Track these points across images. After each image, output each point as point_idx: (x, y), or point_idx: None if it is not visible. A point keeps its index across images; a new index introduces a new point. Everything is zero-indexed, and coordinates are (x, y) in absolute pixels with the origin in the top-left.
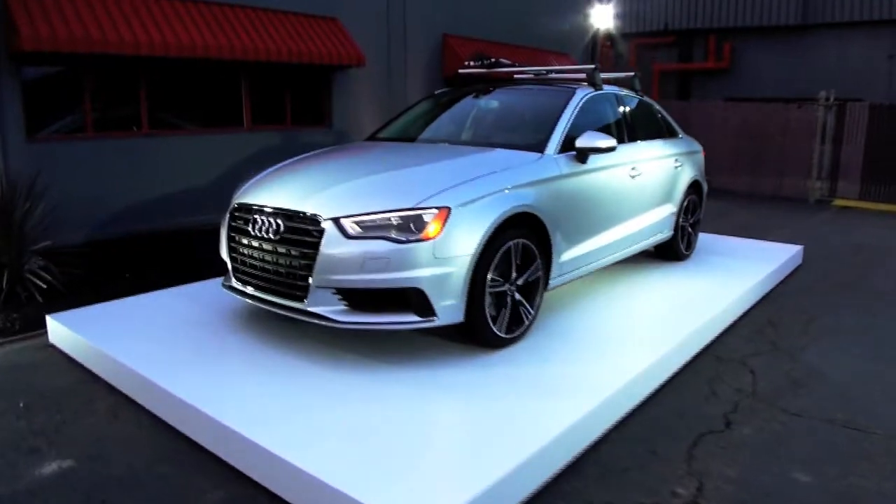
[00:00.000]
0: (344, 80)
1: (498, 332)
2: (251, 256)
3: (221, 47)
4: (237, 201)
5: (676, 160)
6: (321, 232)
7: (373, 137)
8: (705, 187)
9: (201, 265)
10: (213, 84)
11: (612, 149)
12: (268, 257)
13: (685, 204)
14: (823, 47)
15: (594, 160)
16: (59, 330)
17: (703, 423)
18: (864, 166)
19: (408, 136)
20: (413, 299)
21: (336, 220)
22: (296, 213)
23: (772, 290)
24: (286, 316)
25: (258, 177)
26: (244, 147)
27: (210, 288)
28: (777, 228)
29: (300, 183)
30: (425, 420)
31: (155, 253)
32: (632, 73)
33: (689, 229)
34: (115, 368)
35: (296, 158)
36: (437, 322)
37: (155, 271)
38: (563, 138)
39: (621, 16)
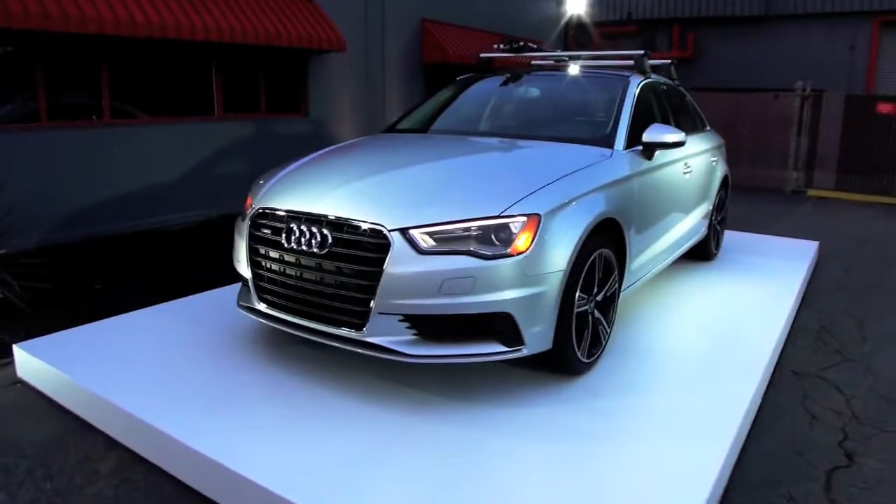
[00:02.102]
0: (320, 66)
1: (581, 357)
2: (283, 273)
3: (194, 27)
4: (262, 205)
5: (712, 155)
6: (386, 246)
7: (393, 129)
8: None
9: (182, 273)
10: (181, 68)
11: (681, 143)
12: (309, 275)
13: (716, 201)
14: (786, 38)
15: (658, 156)
16: (31, 363)
17: (823, 458)
18: (839, 156)
19: (443, 129)
20: (500, 326)
21: (404, 232)
22: (349, 222)
23: (806, 291)
24: (321, 344)
25: (282, 173)
26: (215, 137)
27: (205, 304)
28: (772, 222)
29: (345, 183)
30: (511, 477)
31: (124, 259)
32: (668, 61)
33: (717, 227)
34: (113, 415)
35: (322, 152)
36: (525, 352)
37: (128, 281)
38: (628, 132)
39: (586, 4)
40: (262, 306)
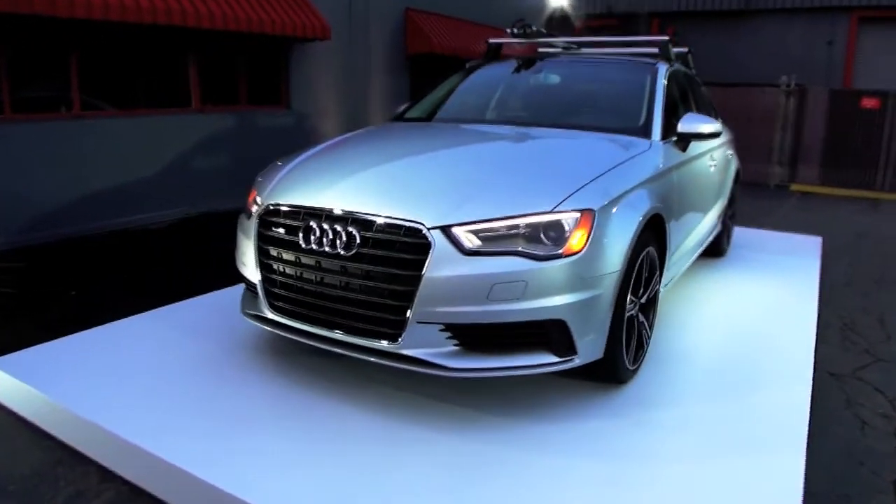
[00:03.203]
0: (302, 55)
1: (628, 365)
2: (300, 278)
3: (171, 11)
4: (272, 201)
5: (728, 148)
6: (425, 247)
7: (402, 118)
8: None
9: (165, 276)
10: (157, 58)
11: (717, 134)
12: (331, 280)
13: (730, 195)
14: (765, 33)
15: (690, 148)
16: (5, 382)
17: (885, 468)
18: (823, 151)
19: (462, 117)
20: (552, 335)
21: (446, 230)
22: (379, 219)
23: (819, 288)
24: (336, 354)
25: (292, 165)
26: (193, 130)
27: (198, 310)
28: (762, 217)
29: (370, 176)
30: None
31: (100, 261)
32: (685, 50)
33: (729, 222)
34: (106, 442)
35: (333, 142)
36: (577, 362)
37: (107, 286)
38: (663, 122)
39: None
40: (273, 314)
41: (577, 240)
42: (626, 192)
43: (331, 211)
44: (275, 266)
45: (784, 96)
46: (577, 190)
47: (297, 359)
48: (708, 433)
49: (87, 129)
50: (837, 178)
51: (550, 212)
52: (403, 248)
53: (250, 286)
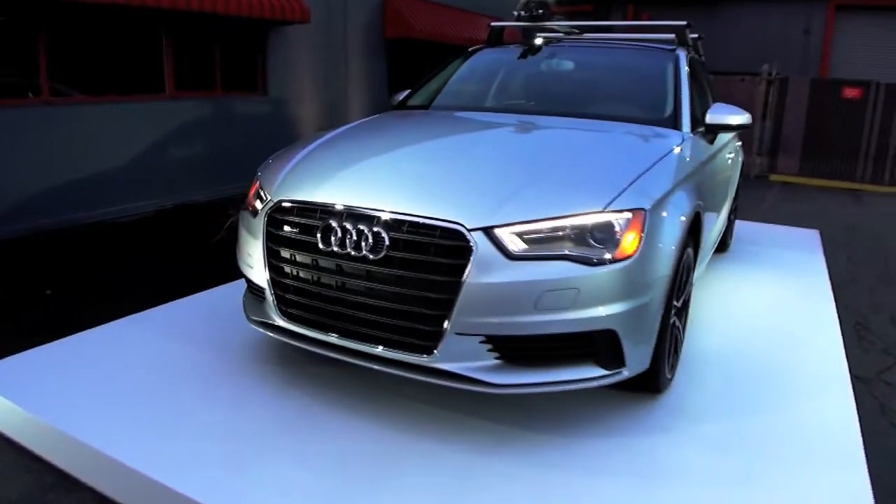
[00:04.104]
0: (279, 40)
1: (667, 373)
2: (317, 283)
3: None
4: (284, 196)
5: (736, 139)
6: (465, 250)
7: (405, 105)
8: None
9: (145, 274)
10: (129, 41)
11: (746, 126)
12: (355, 286)
13: (736, 189)
14: (741, 21)
15: (718, 140)
16: None
17: None
18: (803, 142)
19: (476, 106)
20: (601, 346)
21: (489, 232)
22: (412, 219)
23: None
24: (350, 364)
25: (301, 155)
26: (167, 117)
27: (188, 314)
28: (748, 209)
29: (396, 170)
30: None
31: (73, 258)
32: (696, 36)
33: (732, 216)
34: (101, 466)
35: (341, 131)
36: (625, 374)
37: (84, 285)
38: (691, 113)
39: None
40: (284, 322)
41: (629, 242)
42: (673, 189)
43: (354, 209)
44: (287, 269)
45: (765, 85)
46: (627, 187)
47: (303, 368)
48: (754, 448)
49: (56, 117)
50: (817, 168)
51: (601, 211)
52: (440, 251)
53: (256, 290)
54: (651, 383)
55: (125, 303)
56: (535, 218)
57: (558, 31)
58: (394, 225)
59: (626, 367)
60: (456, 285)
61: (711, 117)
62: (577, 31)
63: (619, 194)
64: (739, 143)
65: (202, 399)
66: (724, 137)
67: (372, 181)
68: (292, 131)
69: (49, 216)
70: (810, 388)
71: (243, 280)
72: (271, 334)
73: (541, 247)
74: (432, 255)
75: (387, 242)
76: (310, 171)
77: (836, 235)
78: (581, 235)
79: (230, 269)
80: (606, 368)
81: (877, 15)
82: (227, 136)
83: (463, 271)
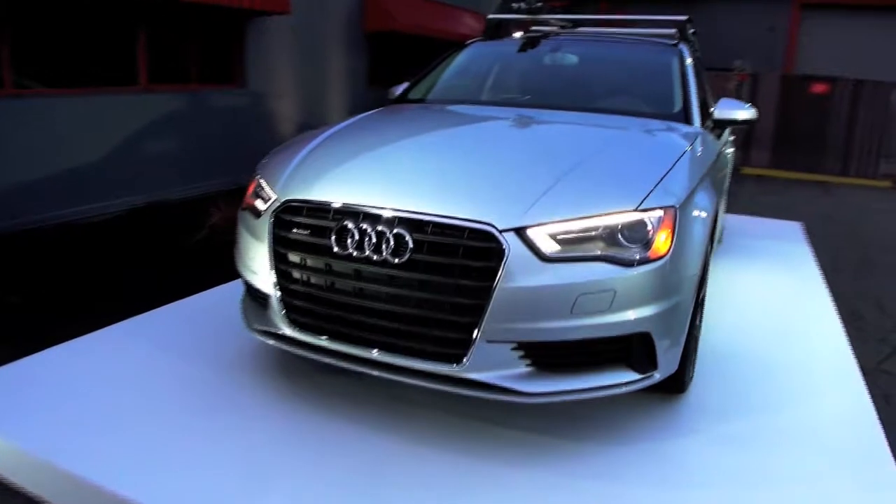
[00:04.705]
0: (258, 31)
1: (691, 372)
2: (331, 288)
3: None
4: (291, 195)
5: (730, 133)
6: (497, 252)
7: (406, 99)
8: None
9: (121, 278)
10: (100, 31)
11: (752, 121)
12: (374, 291)
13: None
14: (711, 19)
15: (722, 135)
16: None
17: None
18: (774, 135)
19: (484, 100)
20: (636, 349)
21: (521, 233)
22: (438, 220)
23: None
24: (364, 374)
25: (305, 151)
26: (140, 112)
27: (174, 323)
28: (731, 201)
29: (415, 168)
30: None
31: (41, 261)
32: (692, 31)
33: (722, 211)
34: (83, 496)
35: (345, 125)
36: (657, 377)
37: (54, 291)
38: (700, 108)
39: None
40: (291, 331)
41: (661, 241)
42: (697, 186)
43: (373, 209)
44: (296, 274)
45: (737, 80)
46: (657, 184)
47: (309, 378)
48: (781, 446)
49: (22, 110)
50: (788, 161)
51: (634, 210)
52: (469, 253)
53: (258, 297)
54: (677, 384)
55: (101, 311)
56: (567, 217)
57: (553, 25)
58: (416, 226)
59: (658, 370)
60: (487, 290)
61: (720, 112)
62: (569, 24)
63: (650, 192)
64: (733, 138)
65: (196, 418)
66: (726, 132)
67: (390, 179)
68: (271, 125)
69: (14, 217)
70: (823, 382)
71: (230, 284)
72: (276, 344)
73: (574, 248)
74: (460, 257)
75: (410, 245)
76: (319, 168)
77: (814, 226)
78: (614, 235)
79: (213, 272)
80: (640, 372)
81: (840, 13)
82: (203, 131)
83: (494, 275)
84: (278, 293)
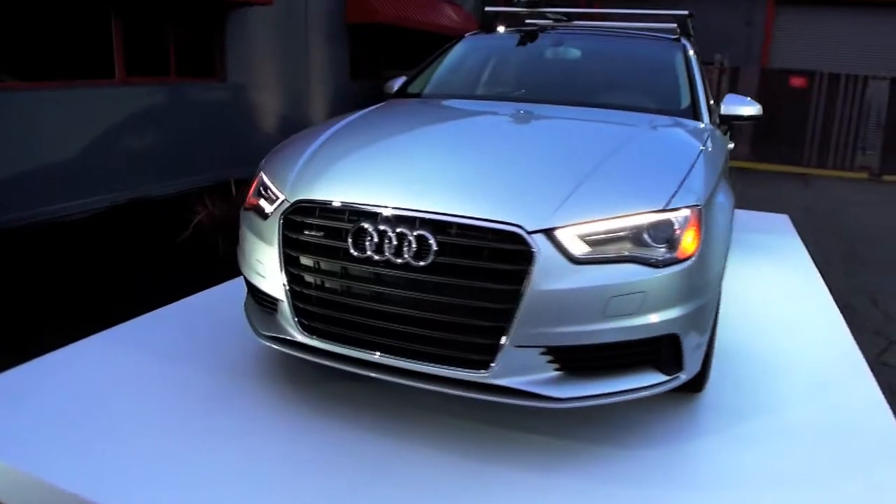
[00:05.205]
0: (238, 23)
1: (708, 371)
2: (347, 293)
3: None
4: (302, 195)
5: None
6: (526, 255)
7: (406, 94)
8: None
9: (103, 282)
10: (75, 21)
11: (758, 117)
12: (394, 295)
13: None
14: (696, 13)
15: (727, 132)
16: None
17: None
18: (755, 128)
19: (491, 95)
20: (664, 350)
21: (550, 234)
22: (463, 221)
23: None
24: (380, 381)
25: (312, 148)
26: (117, 106)
27: (167, 329)
28: None
29: (433, 166)
30: None
31: (13, 264)
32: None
33: None
34: None
35: (349, 120)
36: (683, 378)
37: (31, 297)
38: (707, 104)
39: None
40: (304, 337)
41: (689, 241)
42: (717, 183)
43: (393, 210)
44: (308, 279)
45: (717, 74)
46: (682, 183)
47: (318, 386)
48: (809, 444)
49: None
50: (768, 154)
51: (662, 210)
52: (495, 256)
53: (267, 302)
54: (696, 384)
55: (84, 318)
56: (595, 218)
57: (549, 18)
58: (440, 228)
59: (684, 371)
60: (515, 293)
61: (726, 108)
62: (564, 18)
63: (677, 191)
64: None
65: (195, 424)
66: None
67: (407, 178)
68: (252, 119)
69: None
70: (833, 377)
71: (224, 285)
72: (287, 351)
73: (603, 249)
74: (487, 260)
75: (434, 248)
76: (330, 167)
77: (798, 219)
78: (642, 236)
79: (201, 272)
80: (667, 374)
81: (814, 8)
82: (183, 125)
83: (523, 278)
84: (289, 298)
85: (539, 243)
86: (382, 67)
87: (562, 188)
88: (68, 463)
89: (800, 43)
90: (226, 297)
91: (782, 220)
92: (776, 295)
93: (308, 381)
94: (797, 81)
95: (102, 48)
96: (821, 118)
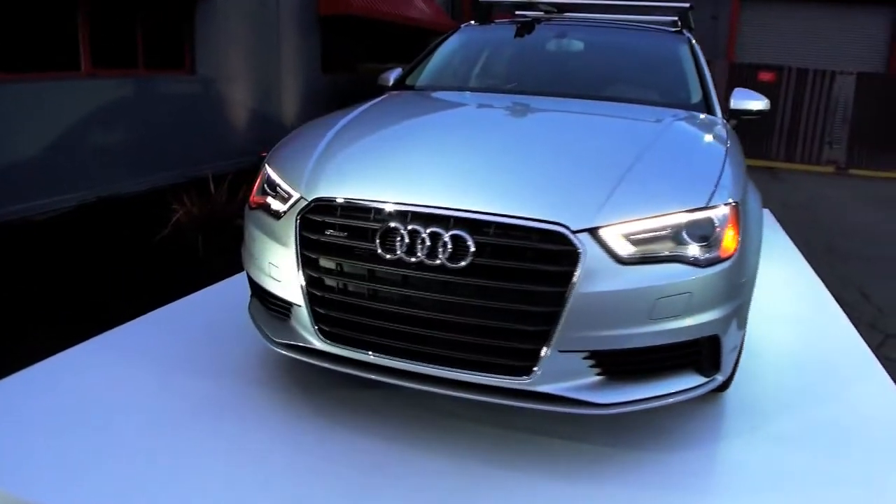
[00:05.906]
0: (209, 13)
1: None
2: (373, 296)
3: None
4: (320, 193)
5: None
6: (570, 255)
7: (403, 85)
8: None
9: (79, 287)
10: (37, 11)
11: (765, 111)
12: (426, 299)
13: None
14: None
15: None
16: None
17: None
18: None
19: (501, 87)
20: (704, 352)
21: (595, 233)
22: (503, 220)
23: None
24: (403, 388)
25: (325, 141)
26: (83, 100)
27: (162, 335)
28: None
29: (463, 161)
30: None
31: None
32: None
33: None
34: None
35: (357, 113)
36: (719, 380)
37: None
38: (716, 98)
39: None
40: (323, 345)
41: (730, 239)
42: (746, 179)
43: (426, 208)
44: (330, 282)
45: None
46: (718, 180)
47: (328, 391)
48: (832, 444)
49: None
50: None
51: (705, 207)
52: (538, 257)
53: (278, 306)
54: (725, 383)
55: (60, 328)
56: (640, 216)
57: (541, 10)
58: (478, 227)
59: (721, 372)
60: (560, 296)
61: (736, 102)
62: (555, 10)
63: (716, 188)
64: None
65: (193, 430)
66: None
67: (437, 174)
68: (223, 113)
69: None
70: (847, 372)
71: (213, 287)
72: (303, 358)
73: (647, 248)
74: (529, 261)
75: (472, 248)
76: (348, 162)
77: (777, 213)
78: (685, 234)
79: (184, 275)
80: (705, 376)
81: (779, 3)
82: (151, 119)
83: (568, 280)
84: (308, 303)
85: (584, 243)
86: (353, 60)
87: (602, 186)
88: (55, 475)
89: (765, 37)
90: (217, 298)
91: (765, 215)
92: (777, 292)
93: (310, 384)
94: (766, 76)
95: (67, 39)
96: (789, 113)
